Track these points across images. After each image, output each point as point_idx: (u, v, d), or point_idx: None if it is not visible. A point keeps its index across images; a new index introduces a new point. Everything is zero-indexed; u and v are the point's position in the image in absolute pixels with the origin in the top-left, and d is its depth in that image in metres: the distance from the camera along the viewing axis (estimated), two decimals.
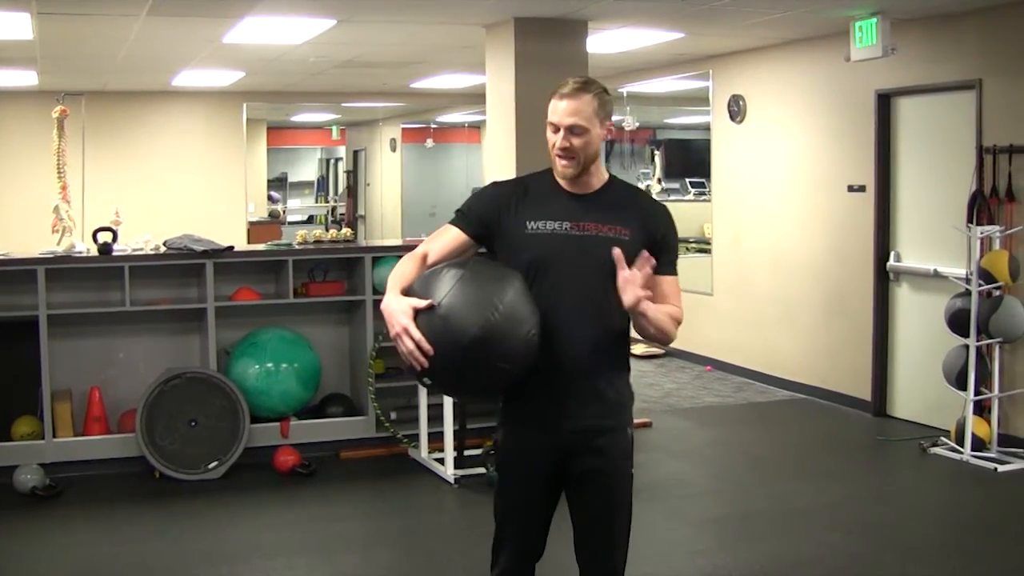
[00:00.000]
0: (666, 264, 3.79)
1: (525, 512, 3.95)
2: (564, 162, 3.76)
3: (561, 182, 3.84)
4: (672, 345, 12.63)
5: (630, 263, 3.68)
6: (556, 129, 3.75)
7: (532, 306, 3.63)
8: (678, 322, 3.80)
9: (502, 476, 4.03)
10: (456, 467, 7.84)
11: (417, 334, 3.51)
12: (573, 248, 3.74)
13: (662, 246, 3.78)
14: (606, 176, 3.88)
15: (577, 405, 3.79)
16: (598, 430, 3.82)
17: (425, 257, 3.83)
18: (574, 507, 3.92)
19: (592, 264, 3.71)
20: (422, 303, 3.54)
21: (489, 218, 3.86)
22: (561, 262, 3.73)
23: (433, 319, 3.52)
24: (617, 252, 3.61)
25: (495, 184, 4.01)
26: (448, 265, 3.69)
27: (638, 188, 3.99)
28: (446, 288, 3.56)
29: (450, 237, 3.89)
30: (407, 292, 3.64)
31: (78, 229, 8.61)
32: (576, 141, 3.72)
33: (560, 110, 3.74)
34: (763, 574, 6.13)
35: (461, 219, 3.92)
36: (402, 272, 3.75)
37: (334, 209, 21.98)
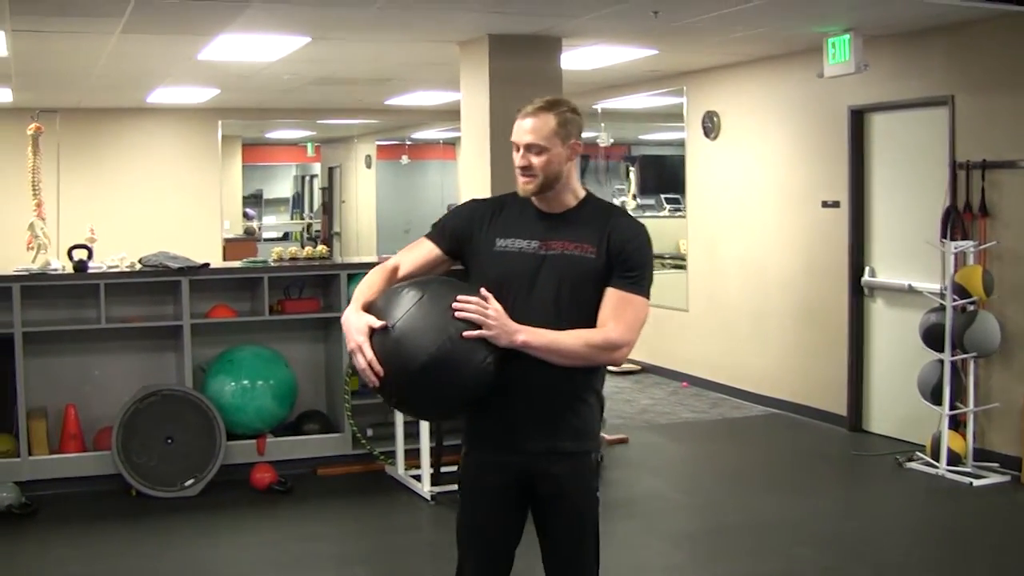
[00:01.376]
0: (617, 278, 3.71)
1: (486, 535, 3.94)
2: (524, 179, 3.76)
3: (535, 201, 3.82)
4: (648, 361, 12.79)
5: (596, 282, 3.70)
6: (517, 148, 3.76)
7: None
8: (604, 343, 3.68)
9: (463, 497, 3.99)
10: (433, 484, 7.83)
11: (370, 354, 3.54)
12: (538, 267, 3.72)
13: (618, 259, 3.71)
14: (582, 194, 3.86)
15: (536, 427, 3.75)
16: (559, 453, 3.77)
17: (396, 270, 3.85)
18: (539, 531, 3.90)
19: (557, 283, 3.70)
20: (378, 323, 3.56)
21: (462, 234, 3.87)
22: (526, 281, 3.71)
23: (387, 340, 3.54)
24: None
25: (473, 201, 4.01)
26: (411, 284, 3.69)
27: (614, 206, 3.93)
28: (404, 310, 3.56)
29: (423, 251, 3.90)
30: (369, 307, 3.66)
31: (53, 246, 8.60)
32: (534, 160, 3.72)
33: (519, 129, 3.77)
34: None
35: (436, 233, 3.93)
36: (370, 284, 3.78)
37: (309, 226, 21.96)
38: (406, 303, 3.57)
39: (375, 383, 3.57)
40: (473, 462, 3.93)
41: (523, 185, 3.77)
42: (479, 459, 3.90)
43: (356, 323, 3.61)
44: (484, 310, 3.58)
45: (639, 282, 3.74)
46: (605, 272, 3.71)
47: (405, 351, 3.50)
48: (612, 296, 3.70)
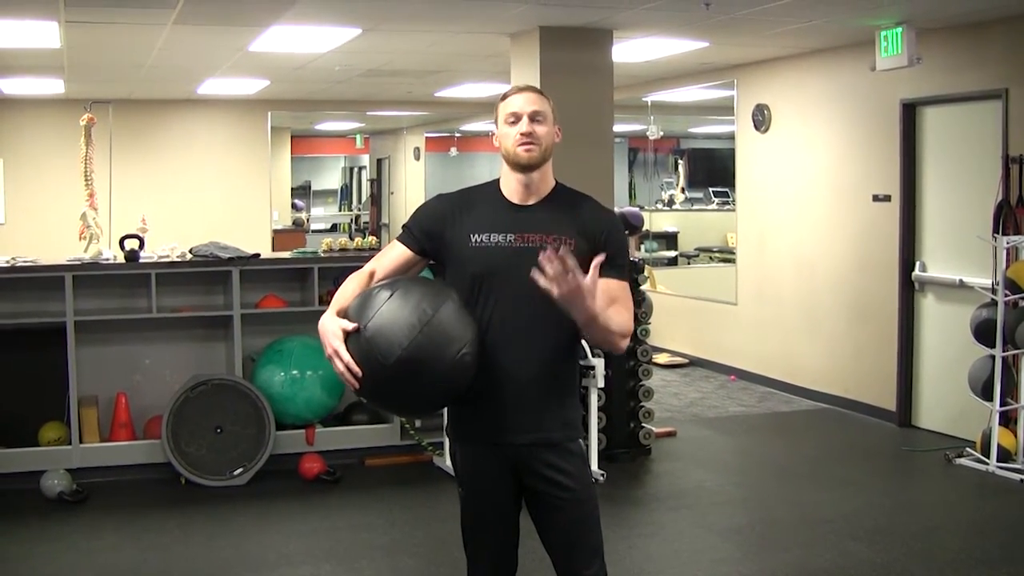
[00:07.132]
0: (610, 268, 3.70)
1: (492, 529, 3.98)
2: (527, 147, 3.73)
3: (506, 193, 3.83)
4: (696, 354, 12.76)
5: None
6: (517, 119, 3.75)
7: (467, 324, 3.62)
8: (626, 328, 3.73)
9: (463, 497, 4.03)
10: None
11: (347, 356, 3.54)
12: (517, 261, 3.67)
13: (605, 250, 3.70)
14: (553, 183, 3.86)
15: (522, 420, 3.75)
16: (546, 443, 3.78)
17: (372, 275, 3.83)
18: (536, 524, 3.91)
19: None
20: (351, 325, 3.57)
21: (434, 232, 3.84)
22: (505, 275, 3.68)
23: (360, 341, 3.55)
24: (548, 255, 3.44)
25: (439, 197, 3.96)
26: (382, 285, 3.69)
27: (584, 195, 3.92)
28: (375, 309, 3.56)
29: (396, 254, 3.88)
30: (343, 313, 3.65)
31: (105, 236, 8.65)
32: (539, 128, 3.74)
33: (520, 101, 3.78)
34: None
35: (406, 235, 3.90)
36: (346, 292, 3.77)
37: (358, 218, 22.05)
38: (377, 302, 3.58)
39: (355, 386, 3.58)
40: (466, 458, 3.95)
41: (526, 153, 3.74)
42: (471, 454, 3.92)
43: (331, 327, 3.61)
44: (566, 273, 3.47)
45: (625, 269, 3.84)
46: (588, 262, 3.65)
47: (379, 348, 3.51)
48: (611, 286, 3.71)
